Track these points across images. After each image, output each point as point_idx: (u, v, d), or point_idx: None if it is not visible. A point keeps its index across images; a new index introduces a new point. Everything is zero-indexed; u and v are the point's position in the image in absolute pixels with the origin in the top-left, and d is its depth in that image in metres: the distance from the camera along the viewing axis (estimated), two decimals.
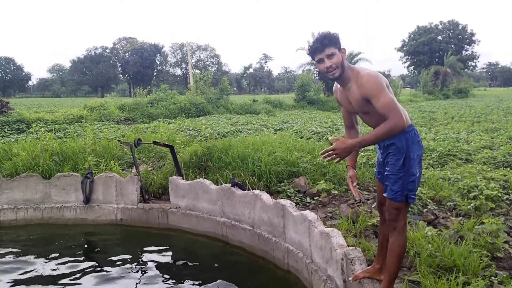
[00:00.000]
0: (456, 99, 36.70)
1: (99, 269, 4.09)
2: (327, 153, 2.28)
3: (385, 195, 2.45)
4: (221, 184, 4.93)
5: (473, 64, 69.21)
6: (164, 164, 6.40)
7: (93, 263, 4.24)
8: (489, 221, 3.38)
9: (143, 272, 4.05)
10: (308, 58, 32.10)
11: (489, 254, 3.03)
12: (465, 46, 66.95)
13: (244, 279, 3.85)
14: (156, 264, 4.22)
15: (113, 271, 4.05)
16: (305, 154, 5.99)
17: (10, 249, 4.65)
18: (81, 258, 4.39)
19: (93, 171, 5.67)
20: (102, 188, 5.51)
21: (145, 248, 4.66)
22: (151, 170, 6.25)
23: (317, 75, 33.17)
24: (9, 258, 4.42)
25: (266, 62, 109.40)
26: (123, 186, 5.45)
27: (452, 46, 63.92)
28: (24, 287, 3.75)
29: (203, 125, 11.49)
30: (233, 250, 4.49)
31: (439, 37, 67.08)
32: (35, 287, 3.75)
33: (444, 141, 8.45)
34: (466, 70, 63.09)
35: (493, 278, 2.69)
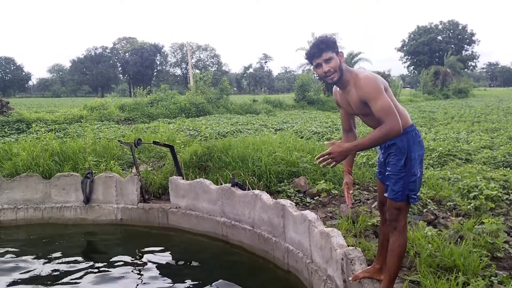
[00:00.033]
0: (456, 99, 36.70)
1: (99, 269, 4.09)
2: (322, 158, 2.28)
3: (386, 195, 2.45)
4: (221, 184, 4.93)
5: (473, 64, 69.28)
6: (164, 164, 6.40)
7: (93, 263, 4.23)
8: (489, 221, 3.38)
9: (143, 272, 4.05)
10: None
11: (489, 254, 3.03)
12: (465, 46, 66.99)
13: (244, 279, 3.85)
14: (156, 264, 4.22)
15: (113, 271, 4.05)
16: (305, 154, 5.99)
17: (10, 249, 4.65)
18: (81, 258, 4.39)
19: (93, 171, 5.67)
20: (102, 188, 5.52)
21: (145, 248, 4.66)
22: (151, 170, 6.25)
23: (317, 75, 33.09)
24: (9, 258, 4.42)
25: (266, 62, 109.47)
26: (123, 186, 5.45)
27: (452, 46, 63.95)
28: (24, 287, 3.75)
29: (203, 125, 11.49)
30: (233, 250, 4.49)
31: (439, 37, 67.13)
32: (35, 287, 3.75)
33: (444, 141, 8.44)
34: (466, 70, 63.10)
35: (493, 278, 2.69)
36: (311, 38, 35.68)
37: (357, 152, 3.03)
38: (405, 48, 69.56)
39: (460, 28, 67.36)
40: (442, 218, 4.01)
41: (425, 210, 4.16)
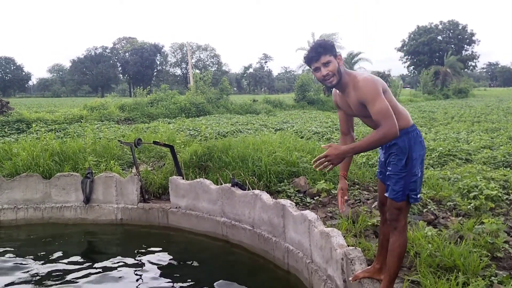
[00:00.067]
0: (456, 99, 36.70)
1: (99, 269, 4.09)
2: (319, 161, 2.28)
3: (386, 195, 2.45)
4: (221, 184, 4.93)
5: (473, 64, 69.25)
6: (164, 164, 6.40)
7: (93, 263, 4.24)
8: (489, 221, 3.38)
9: (143, 272, 4.05)
10: None
11: (489, 254, 3.03)
12: (465, 46, 66.98)
13: (244, 279, 3.85)
14: (156, 264, 4.22)
15: (113, 271, 4.05)
16: (305, 154, 6.00)
17: (10, 249, 4.66)
18: (81, 258, 4.39)
19: (93, 171, 5.67)
20: (102, 188, 5.52)
21: (145, 248, 4.66)
22: (151, 170, 6.25)
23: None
24: (9, 257, 4.42)
25: (266, 62, 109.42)
26: (123, 186, 5.45)
27: (452, 46, 63.94)
28: (24, 287, 3.75)
29: (203, 125, 11.48)
30: (233, 250, 4.49)
31: (439, 37, 67.11)
32: (35, 287, 3.75)
33: (444, 141, 8.45)
34: (466, 70, 63.10)
35: (493, 278, 2.69)
36: (311, 38, 35.72)
37: (353, 156, 3.03)
38: (405, 48, 69.55)
39: (460, 28, 67.35)
40: (442, 218, 4.02)
41: (425, 210, 4.16)
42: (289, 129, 10.98)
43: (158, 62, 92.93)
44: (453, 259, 2.85)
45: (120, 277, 3.92)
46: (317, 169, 2.32)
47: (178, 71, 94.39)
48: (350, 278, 2.73)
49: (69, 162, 6.12)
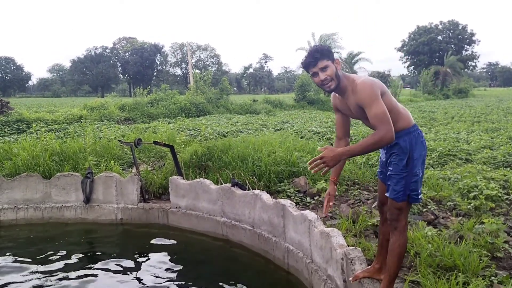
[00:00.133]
0: (456, 99, 36.70)
1: (99, 269, 4.09)
2: (314, 163, 2.28)
3: (387, 194, 2.46)
4: (221, 184, 4.93)
5: (473, 64, 69.19)
6: (164, 164, 6.40)
7: (93, 263, 4.24)
8: (489, 221, 3.38)
9: (143, 272, 4.05)
10: None
11: (489, 254, 3.03)
12: (465, 46, 66.93)
13: (244, 279, 3.85)
14: (156, 264, 4.22)
15: (113, 271, 4.05)
16: (305, 154, 6.00)
17: (10, 249, 4.65)
18: (81, 258, 4.39)
19: (93, 171, 5.67)
20: (102, 188, 5.52)
21: (145, 248, 4.66)
22: (151, 170, 6.25)
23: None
24: (9, 257, 4.42)
25: (266, 62, 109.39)
26: (123, 186, 5.45)
27: (452, 46, 63.90)
28: (24, 287, 3.75)
29: (203, 125, 11.48)
30: (233, 250, 4.49)
31: (439, 37, 67.06)
32: (35, 287, 3.75)
33: (444, 141, 8.44)
34: (466, 70, 63.07)
35: (493, 278, 2.69)
36: (311, 38, 35.72)
37: (346, 161, 3.01)
38: (405, 48, 69.51)
39: (460, 28, 67.30)
40: (442, 218, 4.02)
41: (425, 210, 4.16)
42: (289, 129, 10.98)
43: (158, 62, 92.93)
44: (453, 259, 2.86)
45: (120, 277, 3.92)
46: (312, 171, 2.31)
47: (178, 71, 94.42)
48: (350, 278, 2.73)
49: (69, 162, 6.12)
